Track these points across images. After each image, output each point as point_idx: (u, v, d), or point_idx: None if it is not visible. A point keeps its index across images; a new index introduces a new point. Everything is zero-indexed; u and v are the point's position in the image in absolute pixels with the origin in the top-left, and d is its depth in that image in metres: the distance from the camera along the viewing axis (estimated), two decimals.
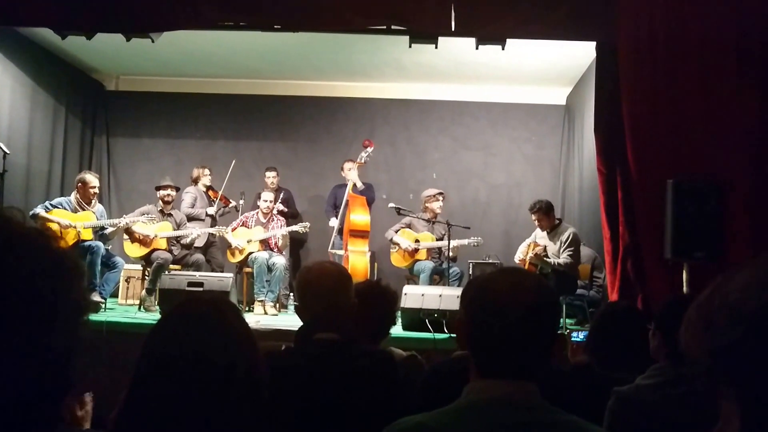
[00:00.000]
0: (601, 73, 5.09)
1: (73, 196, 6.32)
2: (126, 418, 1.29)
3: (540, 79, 8.08)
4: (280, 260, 6.78)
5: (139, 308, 6.32)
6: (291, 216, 7.73)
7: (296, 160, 8.62)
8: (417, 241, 6.91)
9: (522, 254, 6.27)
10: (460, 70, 7.75)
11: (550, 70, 7.66)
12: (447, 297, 5.29)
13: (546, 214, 6.07)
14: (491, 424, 1.20)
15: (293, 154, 8.70)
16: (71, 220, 6.14)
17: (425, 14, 4.93)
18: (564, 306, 5.82)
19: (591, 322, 3.34)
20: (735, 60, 3.98)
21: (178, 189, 7.05)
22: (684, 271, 4.12)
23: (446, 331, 5.08)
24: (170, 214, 6.78)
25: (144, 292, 6.42)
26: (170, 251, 6.57)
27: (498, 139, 8.65)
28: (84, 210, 6.28)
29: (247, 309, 6.70)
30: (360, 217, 6.93)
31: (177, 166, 8.26)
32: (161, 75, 8.69)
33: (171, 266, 6.49)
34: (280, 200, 7.47)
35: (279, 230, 7.02)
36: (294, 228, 7.04)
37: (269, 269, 6.71)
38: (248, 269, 6.87)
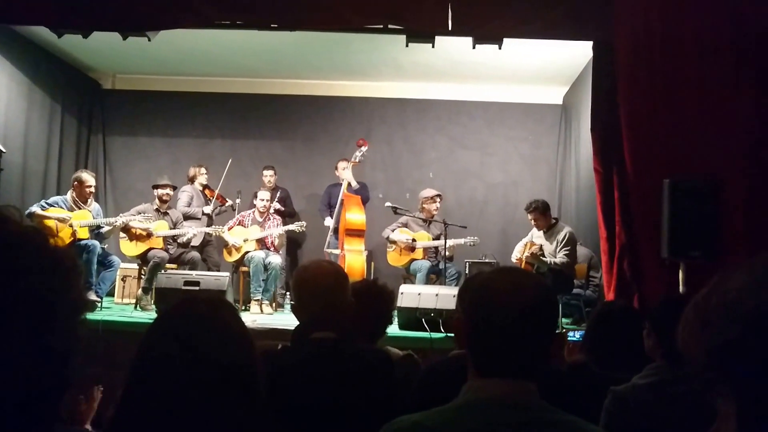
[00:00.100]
0: (597, 73, 5.09)
1: (70, 195, 6.31)
2: (123, 417, 1.29)
3: (537, 78, 8.09)
4: (276, 260, 6.78)
5: (136, 307, 6.30)
6: (288, 215, 7.72)
7: (293, 159, 8.61)
8: (413, 240, 6.92)
9: (519, 254, 6.28)
10: (457, 69, 7.75)
11: (546, 69, 7.67)
12: (443, 296, 5.29)
13: (542, 214, 6.08)
14: (490, 424, 1.20)
15: (290, 153, 8.70)
16: (68, 214, 6.14)
17: (422, 13, 4.93)
18: (560, 305, 5.83)
19: (587, 321, 3.35)
20: (732, 59, 3.98)
21: (175, 188, 7.05)
22: (680, 271, 4.12)
23: (443, 330, 5.08)
24: (166, 213, 6.78)
25: (140, 291, 6.41)
26: (166, 250, 6.56)
27: (495, 138, 8.66)
28: (80, 209, 6.27)
29: (243, 308, 6.69)
30: (356, 216, 6.94)
31: (174, 164, 8.24)
32: (158, 74, 8.68)
33: (167, 265, 6.48)
34: (276, 199, 7.47)
35: (275, 229, 7.02)
36: (290, 227, 7.04)
37: (265, 268, 6.71)
38: (245, 268, 6.86)
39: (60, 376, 0.71)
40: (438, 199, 7.05)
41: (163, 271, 6.21)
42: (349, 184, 7.34)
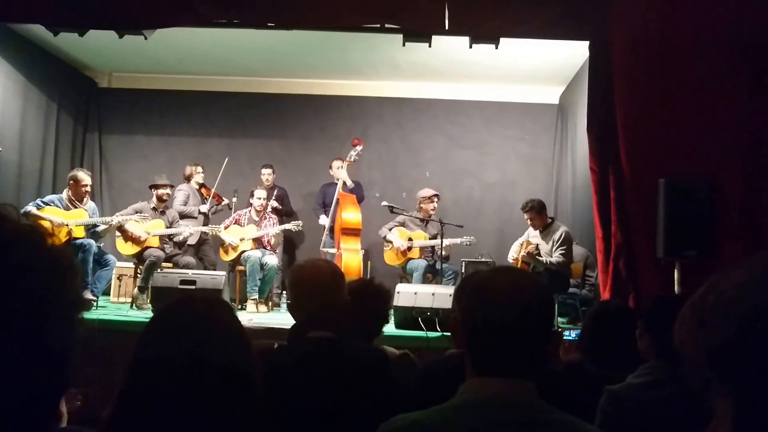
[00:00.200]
0: (594, 73, 5.10)
1: (65, 194, 6.29)
2: (119, 416, 1.28)
3: (533, 78, 8.10)
4: (273, 259, 6.78)
5: (131, 306, 6.29)
6: (286, 214, 7.72)
7: (290, 158, 8.61)
8: (410, 239, 6.92)
9: (515, 253, 6.28)
10: (454, 68, 7.75)
11: (543, 69, 7.68)
12: (440, 295, 5.29)
13: (538, 213, 6.09)
14: (488, 423, 1.20)
15: (287, 152, 8.69)
16: (63, 217, 6.11)
17: (419, 13, 4.94)
18: (556, 305, 5.84)
19: (583, 320, 3.36)
20: (728, 59, 3.99)
21: (172, 187, 7.04)
22: (676, 270, 4.14)
23: (439, 329, 5.09)
24: (163, 212, 6.77)
25: (136, 290, 6.39)
26: (163, 249, 6.55)
27: (492, 137, 8.66)
28: (76, 207, 6.25)
29: (239, 307, 6.69)
30: (352, 215, 6.94)
31: (170, 163, 8.22)
32: (154, 72, 8.66)
33: (163, 264, 6.47)
34: (274, 197, 7.46)
35: (272, 229, 7.01)
36: (287, 226, 7.03)
37: (262, 267, 6.71)
38: (241, 267, 6.86)
39: (58, 375, 0.71)
40: (436, 199, 7.06)
41: (159, 270, 6.20)
42: (344, 184, 7.35)
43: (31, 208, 6.04)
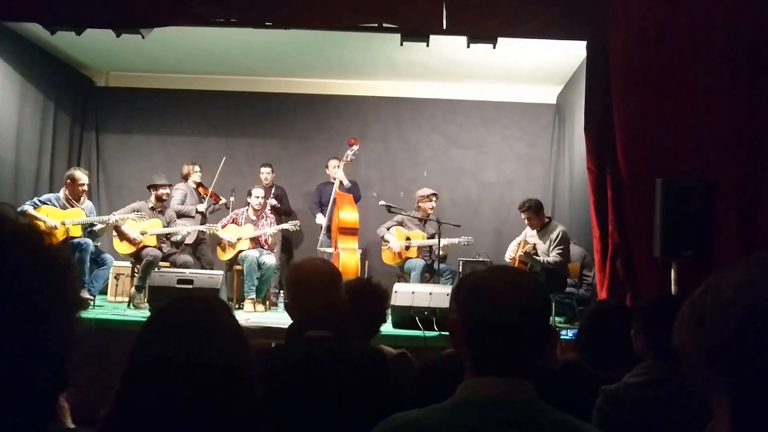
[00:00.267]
0: (591, 73, 5.10)
1: (62, 193, 6.28)
2: (117, 415, 1.28)
3: (531, 77, 8.10)
4: (271, 259, 6.78)
5: (129, 305, 6.29)
6: (284, 213, 7.73)
7: (287, 158, 8.60)
8: (408, 239, 6.93)
9: (512, 253, 6.29)
10: (452, 68, 7.76)
11: (540, 68, 7.69)
12: (437, 295, 5.30)
13: (535, 213, 6.10)
14: (487, 422, 1.20)
15: (284, 151, 8.69)
16: (60, 217, 6.10)
17: (417, 12, 4.94)
18: (553, 304, 5.85)
19: (580, 320, 3.36)
20: (726, 59, 3.99)
21: (171, 186, 7.04)
22: (672, 270, 4.14)
23: (436, 328, 5.09)
24: (161, 212, 6.76)
25: (133, 289, 6.39)
26: (160, 248, 6.55)
27: (489, 137, 8.67)
28: (73, 207, 6.24)
29: (237, 306, 6.68)
30: (349, 214, 6.95)
31: (168, 162, 8.22)
32: (152, 71, 8.64)
33: (161, 263, 6.46)
34: (272, 195, 7.46)
35: (269, 228, 7.01)
36: (284, 226, 7.03)
37: (259, 267, 6.71)
38: (238, 267, 6.86)
39: (56, 375, 0.71)
40: (434, 198, 7.08)
41: (156, 270, 6.19)
42: (341, 183, 7.35)
43: (27, 207, 6.03)
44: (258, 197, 7.06)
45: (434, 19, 4.86)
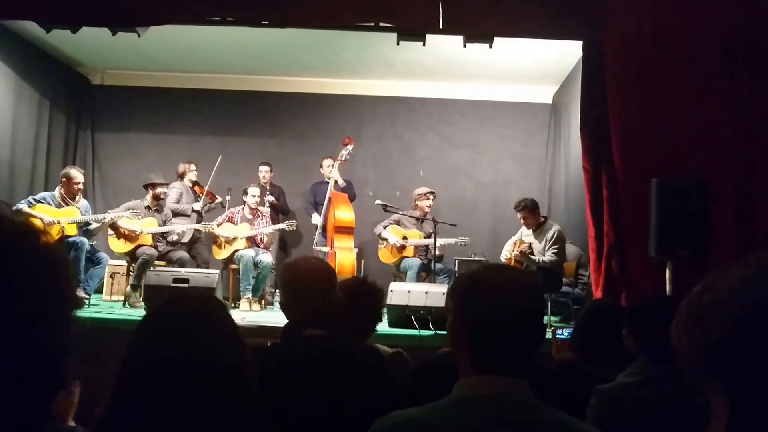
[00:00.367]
0: (587, 72, 5.11)
1: (58, 192, 6.26)
2: (113, 414, 1.28)
3: (527, 77, 8.11)
4: (267, 258, 6.77)
5: (124, 304, 6.27)
6: (282, 211, 7.73)
7: (283, 157, 8.58)
8: (405, 238, 6.93)
9: (508, 252, 6.30)
10: (448, 67, 7.76)
11: (537, 68, 7.70)
12: (433, 294, 5.30)
13: (531, 212, 6.10)
14: (485, 420, 1.20)
15: (280, 150, 8.68)
16: (55, 215, 6.08)
17: (413, 11, 4.94)
18: (549, 303, 5.86)
19: (576, 319, 3.37)
20: (722, 58, 4.01)
21: (168, 185, 7.03)
22: (667, 269, 4.15)
23: (432, 328, 5.10)
24: (157, 210, 6.75)
25: (129, 288, 6.37)
26: (155, 247, 6.53)
27: (485, 136, 8.67)
28: (68, 205, 6.23)
29: (232, 305, 6.68)
30: (345, 213, 6.95)
31: (163, 161, 8.19)
32: (148, 70, 8.62)
33: (156, 262, 6.45)
34: (267, 193, 7.46)
35: (265, 228, 7.00)
36: (281, 226, 7.03)
37: (256, 266, 6.70)
38: (234, 266, 6.85)
39: (52, 374, 0.71)
40: (431, 196, 7.08)
41: (152, 268, 6.18)
42: (336, 183, 7.35)
43: (22, 205, 6.01)
44: (254, 196, 7.05)
45: (431, 19, 4.86)
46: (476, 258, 7.06)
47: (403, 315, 5.29)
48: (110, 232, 6.52)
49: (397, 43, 5.42)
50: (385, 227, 7.02)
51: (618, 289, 4.61)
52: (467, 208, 8.46)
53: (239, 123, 8.73)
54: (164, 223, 6.72)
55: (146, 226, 6.52)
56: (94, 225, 6.36)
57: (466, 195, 8.59)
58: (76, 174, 6.33)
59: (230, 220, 7.05)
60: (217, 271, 6.19)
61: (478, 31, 5.14)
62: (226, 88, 8.65)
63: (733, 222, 3.94)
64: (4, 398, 0.66)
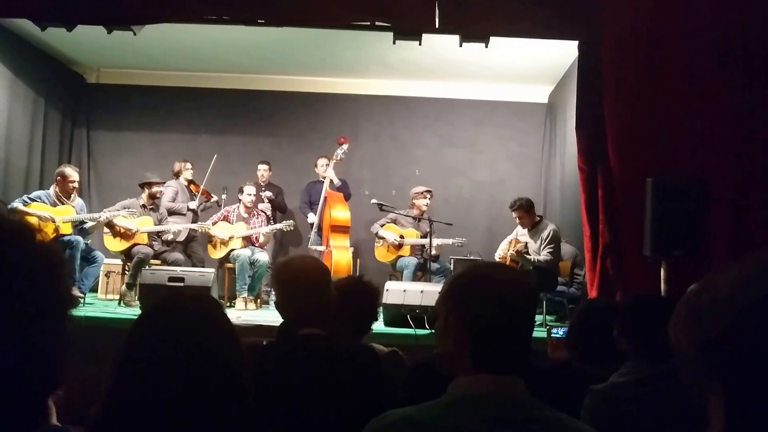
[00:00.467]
0: (583, 72, 5.11)
1: (53, 190, 6.23)
2: (107, 414, 1.28)
3: (523, 77, 8.12)
4: (263, 257, 6.77)
5: (119, 303, 6.26)
6: (280, 209, 7.72)
7: (280, 156, 8.58)
8: (401, 237, 6.94)
9: (503, 251, 6.31)
10: (444, 67, 7.76)
11: (532, 68, 7.71)
12: (428, 293, 5.30)
13: (527, 212, 6.11)
14: (481, 419, 1.20)
15: (277, 149, 8.67)
16: (50, 213, 6.06)
17: (409, 11, 4.94)
18: (545, 302, 5.87)
19: (571, 318, 3.37)
20: (718, 59, 4.01)
21: (164, 183, 7.02)
22: (662, 269, 4.16)
23: (428, 327, 5.10)
24: (153, 209, 6.74)
25: (124, 286, 6.37)
26: (151, 246, 6.52)
27: (482, 136, 8.68)
28: (63, 204, 6.21)
29: (228, 304, 6.67)
30: (341, 212, 6.96)
31: (159, 159, 8.18)
32: (143, 68, 8.61)
33: (151, 261, 6.44)
34: (262, 190, 7.46)
35: (262, 228, 6.99)
36: (278, 226, 7.03)
37: (252, 265, 6.69)
38: (230, 265, 6.84)
39: (49, 372, 0.71)
40: (428, 195, 7.09)
41: (147, 267, 6.17)
42: (331, 182, 7.35)
43: (17, 204, 5.98)
44: (250, 194, 7.04)
45: (427, 18, 4.86)
46: (472, 257, 7.07)
47: (398, 314, 5.30)
48: (106, 230, 6.51)
49: (393, 43, 5.42)
50: (381, 225, 7.03)
51: (613, 288, 4.61)
52: (463, 207, 8.47)
53: (235, 122, 8.72)
54: (160, 222, 6.71)
55: (142, 224, 6.51)
56: (90, 224, 6.35)
57: (462, 194, 8.60)
58: (72, 173, 6.31)
59: (226, 218, 7.04)
60: (213, 270, 6.18)
61: (474, 31, 5.14)
62: (222, 86, 8.63)
63: (728, 222, 3.95)
64: (2, 398, 0.66)
